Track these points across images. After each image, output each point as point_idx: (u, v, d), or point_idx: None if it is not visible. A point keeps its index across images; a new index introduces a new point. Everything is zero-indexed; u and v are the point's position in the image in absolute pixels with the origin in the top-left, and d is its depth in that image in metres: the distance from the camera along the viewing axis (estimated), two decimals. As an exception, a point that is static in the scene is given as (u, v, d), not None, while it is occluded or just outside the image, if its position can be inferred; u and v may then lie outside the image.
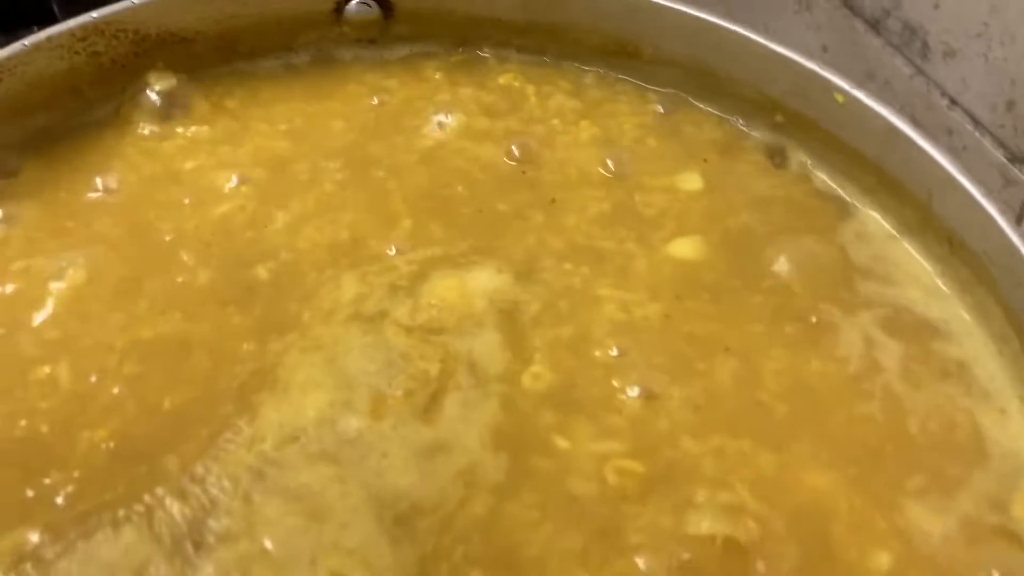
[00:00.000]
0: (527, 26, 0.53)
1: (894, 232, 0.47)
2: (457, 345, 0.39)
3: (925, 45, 0.58)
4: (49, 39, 0.45)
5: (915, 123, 0.45)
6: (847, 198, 0.48)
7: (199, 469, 0.35)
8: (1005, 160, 0.55)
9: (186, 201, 0.45)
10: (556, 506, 0.35)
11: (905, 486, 0.37)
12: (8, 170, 0.45)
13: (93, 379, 0.38)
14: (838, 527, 0.36)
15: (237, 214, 0.44)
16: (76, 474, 0.35)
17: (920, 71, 0.59)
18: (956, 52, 0.56)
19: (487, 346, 0.40)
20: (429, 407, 0.37)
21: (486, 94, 0.51)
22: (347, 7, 0.52)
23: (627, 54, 0.52)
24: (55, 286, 0.41)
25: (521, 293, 0.42)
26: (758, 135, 0.51)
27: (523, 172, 0.47)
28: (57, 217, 0.44)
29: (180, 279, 0.41)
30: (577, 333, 0.41)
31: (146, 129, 0.48)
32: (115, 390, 0.38)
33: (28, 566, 0.32)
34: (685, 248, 0.45)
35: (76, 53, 0.47)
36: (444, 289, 0.41)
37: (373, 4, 0.52)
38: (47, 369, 0.38)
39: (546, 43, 0.53)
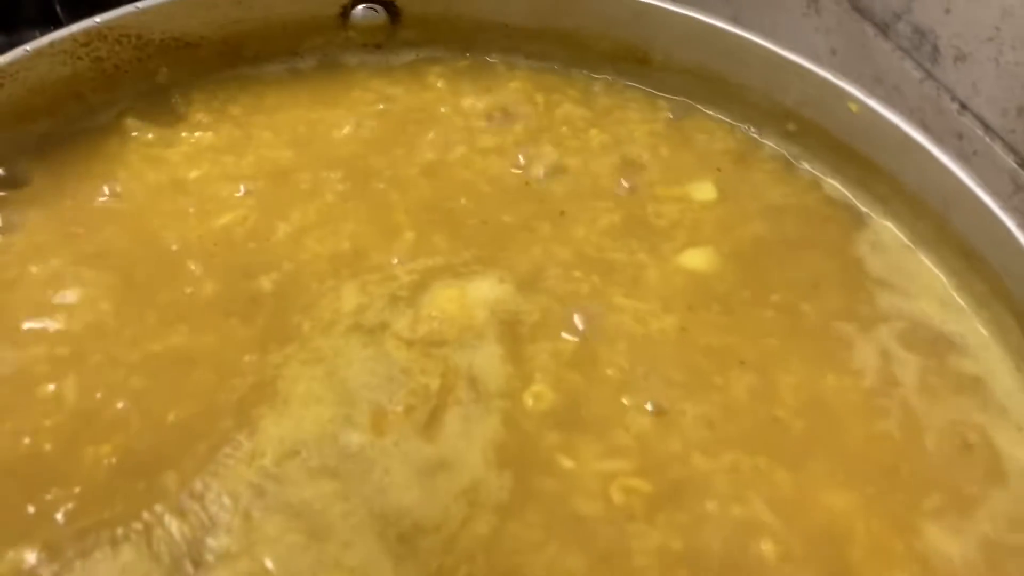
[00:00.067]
0: (536, 32, 0.52)
1: (909, 243, 0.46)
2: (457, 359, 0.39)
3: (935, 49, 0.57)
4: (52, 44, 0.45)
5: (925, 128, 0.44)
6: (861, 208, 0.47)
7: (198, 485, 0.34)
8: (1015, 165, 0.54)
9: (191, 210, 0.44)
10: (561, 526, 0.34)
11: (922, 506, 0.36)
12: (13, 176, 0.45)
13: (99, 395, 0.37)
14: (856, 551, 0.35)
15: (240, 224, 0.43)
16: (77, 490, 0.34)
17: (930, 75, 0.59)
18: (967, 56, 0.56)
19: (488, 360, 0.39)
20: (430, 423, 0.37)
21: (493, 101, 0.50)
22: (353, 12, 0.51)
23: (637, 60, 0.51)
24: (65, 298, 0.40)
25: (523, 303, 0.41)
26: (770, 143, 0.50)
27: (530, 184, 0.47)
28: (64, 225, 0.43)
29: (188, 290, 0.41)
30: (583, 346, 0.40)
31: (149, 135, 0.47)
32: (120, 404, 0.37)
33: (25, 585, 0.32)
34: (697, 259, 0.44)
35: (79, 58, 0.46)
36: (445, 300, 0.41)
37: (380, 9, 0.51)
38: (52, 386, 0.37)
39: (555, 49, 0.52)
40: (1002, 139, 0.54)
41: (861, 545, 0.35)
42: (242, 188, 0.45)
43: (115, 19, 0.46)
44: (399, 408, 0.37)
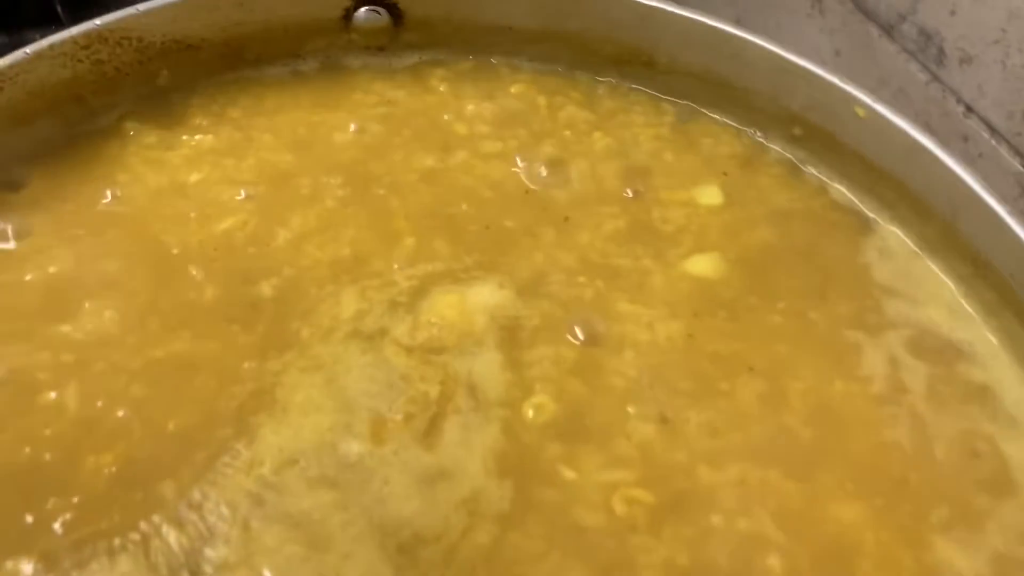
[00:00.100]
0: (540, 34, 0.51)
1: (916, 249, 0.45)
2: (457, 366, 0.38)
3: (941, 51, 0.57)
4: (51, 47, 0.44)
5: (930, 130, 0.43)
6: (868, 213, 0.47)
7: (196, 495, 0.34)
8: (1021, 168, 0.53)
9: (192, 215, 0.44)
10: (562, 537, 0.34)
11: (930, 519, 0.36)
12: (13, 180, 0.44)
13: (100, 404, 0.37)
14: (865, 564, 0.34)
15: (240, 229, 0.43)
16: (75, 500, 0.34)
17: (935, 77, 0.58)
18: (973, 59, 0.55)
19: (487, 367, 0.38)
20: (429, 431, 0.36)
21: (496, 105, 0.50)
22: (356, 14, 0.51)
23: (641, 63, 0.51)
24: (68, 305, 0.40)
25: (523, 309, 0.41)
26: (776, 148, 0.49)
27: (533, 189, 0.46)
28: (65, 229, 0.43)
29: (190, 296, 0.40)
30: (586, 353, 0.39)
31: (150, 138, 0.47)
32: (120, 413, 0.36)
33: (21, 596, 0.32)
34: (704, 265, 0.44)
35: (79, 61, 0.46)
36: (444, 306, 0.40)
37: (383, 11, 0.51)
38: (53, 394, 0.37)
39: (559, 52, 0.52)
40: (1008, 142, 0.54)
41: (870, 558, 0.34)
42: (243, 192, 0.45)
43: (116, 21, 0.46)
44: (398, 416, 0.37)
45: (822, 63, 0.46)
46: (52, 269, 0.41)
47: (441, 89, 0.51)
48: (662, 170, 0.48)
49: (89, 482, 0.34)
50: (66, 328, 0.39)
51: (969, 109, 0.56)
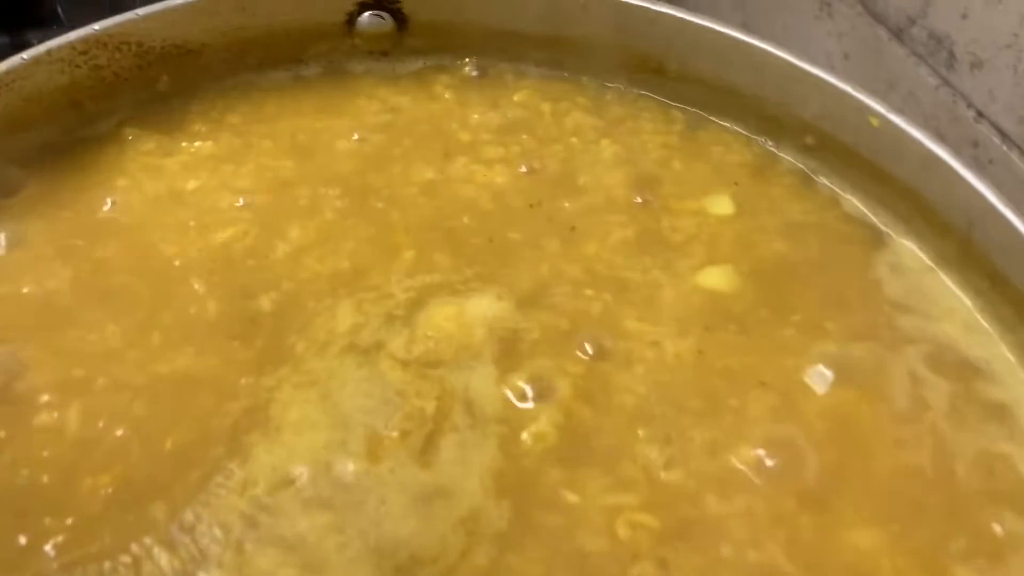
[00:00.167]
0: (547, 40, 0.51)
1: (931, 264, 0.44)
2: (453, 380, 0.37)
3: (951, 55, 0.56)
4: (49, 52, 0.44)
5: (939, 135, 0.42)
6: (881, 226, 0.46)
7: (189, 516, 0.33)
8: (1033, 174, 0.52)
9: (191, 224, 0.43)
10: (563, 561, 0.33)
11: (949, 548, 0.34)
12: (10, 188, 0.44)
13: (101, 424, 0.36)
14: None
15: (239, 240, 0.42)
16: (69, 521, 0.33)
17: (946, 82, 0.57)
18: (984, 63, 0.54)
19: (484, 382, 0.37)
20: (426, 449, 0.35)
21: (501, 112, 0.49)
22: (359, 19, 0.50)
23: (650, 70, 0.50)
24: (68, 319, 0.39)
25: (522, 321, 0.40)
26: (788, 157, 0.48)
27: (539, 197, 0.45)
28: (62, 238, 0.42)
29: (191, 310, 0.40)
30: (590, 369, 0.38)
31: (149, 145, 0.46)
32: (119, 432, 0.36)
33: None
34: (716, 278, 0.42)
35: (77, 66, 0.45)
36: (442, 318, 0.39)
37: (387, 16, 0.50)
38: (56, 415, 0.36)
39: (565, 58, 0.51)
40: (1019, 147, 0.53)
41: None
42: (242, 200, 0.44)
43: (115, 26, 0.45)
44: (394, 433, 0.36)
45: (830, 67, 0.45)
46: (46, 284, 0.40)
47: (446, 96, 0.50)
48: (671, 179, 0.47)
49: (84, 504, 0.34)
50: (66, 343, 0.38)
51: (980, 114, 0.55)
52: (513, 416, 0.37)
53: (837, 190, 0.47)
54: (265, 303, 0.40)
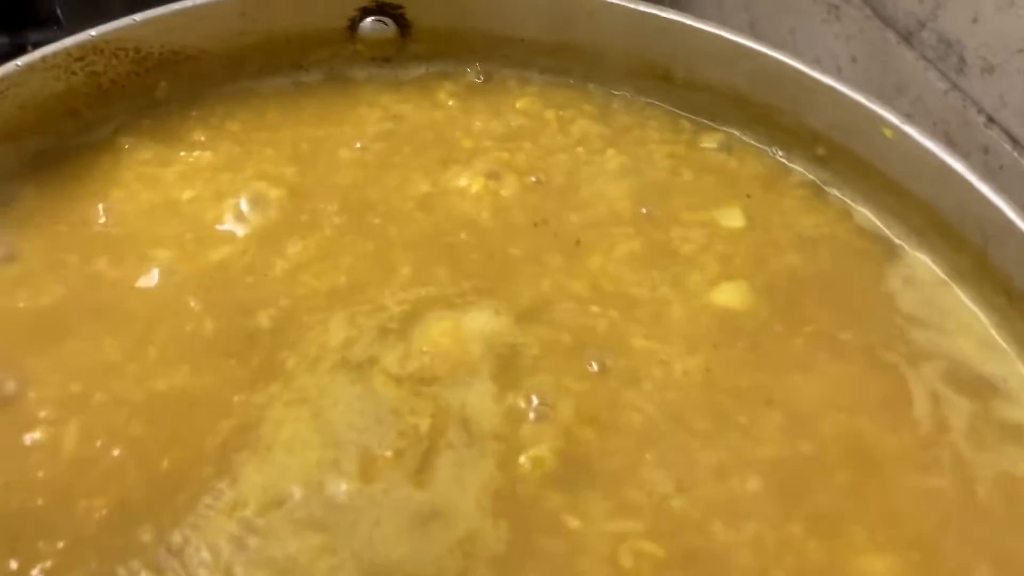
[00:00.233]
0: (552, 46, 0.49)
1: (945, 277, 0.43)
2: (449, 397, 0.36)
3: (961, 60, 0.54)
4: (44, 59, 0.43)
5: (949, 140, 0.41)
6: (894, 239, 0.44)
7: (177, 539, 0.32)
8: (1045, 182, 0.51)
9: (188, 237, 0.42)
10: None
11: (972, 576, 0.33)
12: (4, 198, 0.43)
13: (99, 444, 0.35)
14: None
15: (237, 256, 0.41)
16: (60, 545, 0.32)
17: (955, 86, 0.55)
18: (995, 68, 0.52)
19: (481, 399, 0.36)
20: (421, 468, 0.34)
21: (504, 121, 0.48)
22: (362, 24, 0.49)
23: (657, 77, 0.49)
24: (61, 336, 0.38)
25: (521, 337, 0.39)
26: (799, 168, 0.47)
27: (543, 212, 0.44)
28: (56, 251, 0.41)
29: (187, 328, 0.39)
30: (592, 388, 0.37)
31: (146, 153, 0.45)
32: (116, 452, 0.35)
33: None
34: (730, 294, 0.41)
35: (73, 73, 0.44)
36: (437, 333, 0.38)
37: (389, 22, 0.49)
38: (52, 431, 0.35)
39: (571, 64, 0.50)
40: (1030, 153, 0.51)
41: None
42: (241, 212, 0.43)
43: (112, 32, 0.44)
44: (388, 452, 0.35)
45: (837, 70, 0.43)
46: (41, 300, 0.39)
47: (449, 103, 0.49)
48: (680, 190, 0.46)
49: (78, 526, 0.33)
50: (63, 358, 0.37)
51: (990, 119, 0.54)
52: (512, 435, 0.36)
53: (849, 202, 0.46)
54: (263, 320, 0.39)
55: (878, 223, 0.45)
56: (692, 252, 0.43)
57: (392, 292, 0.40)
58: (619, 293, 0.41)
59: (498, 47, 0.50)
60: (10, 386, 0.37)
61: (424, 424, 0.36)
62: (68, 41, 0.43)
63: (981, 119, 0.54)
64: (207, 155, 0.45)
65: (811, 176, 0.47)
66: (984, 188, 0.40)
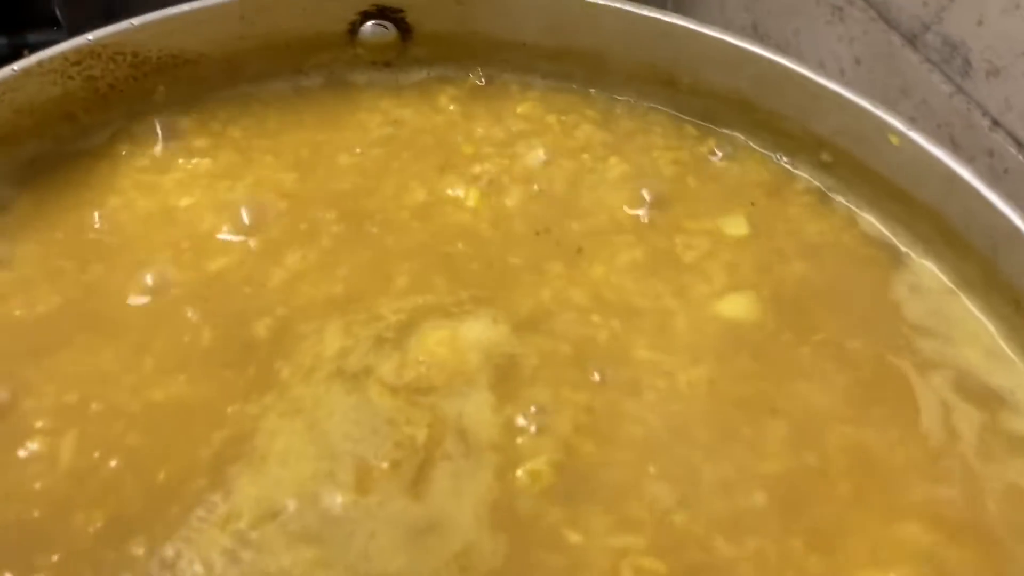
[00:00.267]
0: (554, 51, 0.49)
1: (952, 286, 0.42)
2: (446, 407, 0.36)
3: (967, 62, 0.54)
4: (40, 64, 0.42)
5: (953, 144, 0.40)
6: (900, 246, 0.44)
7: (169, 552, 0.32)
8: (1050, 186, 0.50)
9: (185, 245, 0.41)
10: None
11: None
12: (-1, 204, 0.43)
13: (96, 455, 0.34)
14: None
15: (235, 265, 0.41)
16: (55, 558, 0.32)
17: (960, 89, 0.55)
18: (1000, 71, 0.52)
19: (478, 409, 0.36)
20: (417, 480, 0.34)
21: (505, 127, 0.47)
22: (362, 28, 0.49)
23: (661, 82, 0.48)
24: (55, 347, 0.38)
25: (519, 346, 0.38)
26: (803, 174, 0.46)
27: (544, 220, 0.43)
28: (52, 259, 0.41)
29: (185, 338, 0.38)
30: (591, 397, 0.37)
31: (144, 159, 0.45)
32: (113, 463, 0.34)
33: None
34: (736, 306, 0.41)
35: (70, 78, 0.44)
36: (434, 342, 0.38)
37: (390, 26, 0.49)
38: (48, 441, 0.35)
39: (573, 69, 0.49)
40: (1036, 157, 0.51)
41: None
42: (239, 220, 0.42)
43: (109, 36, 0.44)
44: (384, 464, 0.34)
45: (840, 72, 0.43)
46: (36, 309, 0.39)
47: (450, 108, 0.48)
48: (684, 197, 0.45)
49: (74, 539, 0.32)
50: (56, 370, 0.37)
51: (995, 123, 0.53)
52: (510, 446, 0.35)
53: (854, 209, 0.45)
54: (260, 330, 0.38)
55: (884, 230, 0.44)
56: (696, 261, 0.42)
57: (389, 301, 0.39)
58: (621, 302, 0.40)
59: (500, 51, 0.49)
60: (5, 396, 0.36)
61: (421, 435, 0.35)
62: (65, 45, 0.43)
63: (986, 122, 0.53)
64: (206, 162, 0.45)
65: (816, 183, 0.46)
66: (992, 196, 0.39)
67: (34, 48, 0.43)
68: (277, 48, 0.48)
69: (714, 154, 0.47)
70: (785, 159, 0.47)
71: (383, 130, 0.47)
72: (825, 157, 0.45)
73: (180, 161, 0.45)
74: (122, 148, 0.45)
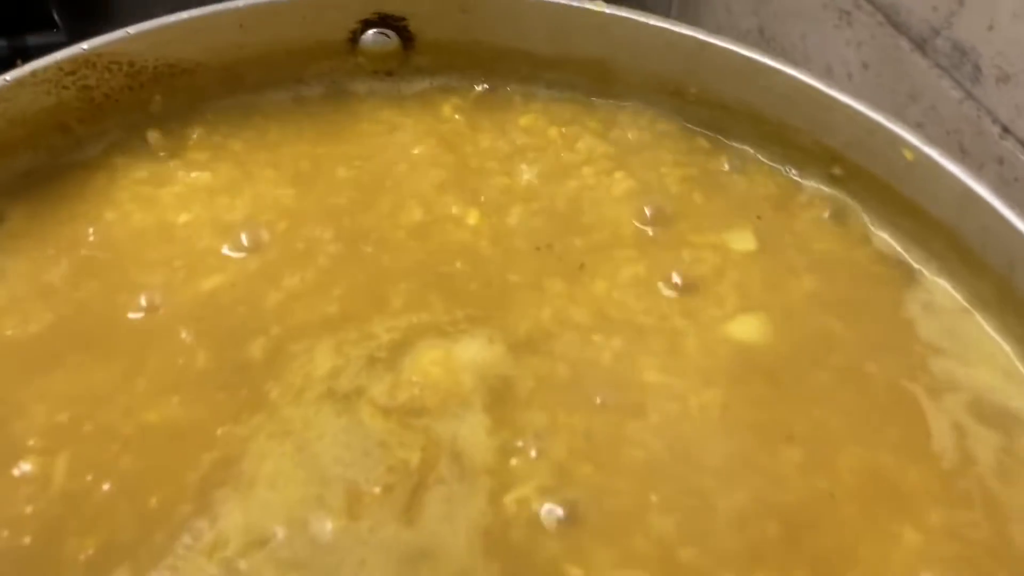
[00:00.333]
0: (558, 61, 0.48)
1: (966, 305, 0.41)
2: (439, 430, 0.35)
3: (976, 68, 0.53)
4: (34, 73, 0.42)
5: (962, 151, 0.39)
6: (913, 264, 0.42)
7: (153, 581, 0.31)
8: (1062, 195, 0.49)
9: (179, 263, 0.40)
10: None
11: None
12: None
13: (89, 478, 0.33)
14: None
15: (230, 285, 0.39)
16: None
17: (970, 95, 0.53)
18: (1011, 77, 0.51)
19: (473, 432, 0.35)
20: (410, 505, 0.33)
21: (509, 140, 0.46)
22: (363, 37, 0.48)
23: (667, 92, 0.47)
24: (49, 365, 0.37)
25: (514, 368, 0.37)
26: (812, 187, 0.45)
27: (545, 235, 0.42)
28: (43, 275, 0.40)
29: (179, 360, 0.37)
30: (593, 422, 0.36)
31: (140, 171, 0.44)
32: (106, 486, 0.33)
33: None
34: (746, 328, 0.39)
35: (64, 87, 0.43)
36: (428, 362, 0.37)
37: (392, 34, 0.48)
38: (41, 462, 0.34)
39: (578, 79, 0.48)
40: (1047, 166, 0.49)
41: None
42: (236, 239, 0.41)
43: (104, 45, 0.43)
44: (376, 488, 0.33)
45: (847, 76, 0.41)
46: (28, 328, 0.38)
47: (455, 118, 0.47)
48: (689, 210, 0.44)
49: (65, 568, 0.31)
50: (48, 390, 0.36)
51: (1005, 130, 0.52)
52: (505, 472, 0.34)
53: (866, 224, 0.44)
54: (255, 351, 0.37)
55: (896, 246, 0.43)
56: (704, 279, 0.41)
57: (382, 320, 0.38)
58: (624, 320, 0.39)
59: (503, 60, 0.48)
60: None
61: (414, 458, 0.34)
62: (59, 55, 0.42)
63: (996, 129, 0.52)
64: (205, 175, 0.44)
65: (826, 197, 0.45)
66: (1009, 214, 0.38)
67: (34, 51, 0.42)
68: (277, 57, 0.47)
69: (720, 166, 0.46)
70: (794, 172, 0.45)
71: (384, 141, 0.46)
72: (836, 171, 0.44)
73: (179, 174, 0.44)
74: (118, 160, 0.44)
